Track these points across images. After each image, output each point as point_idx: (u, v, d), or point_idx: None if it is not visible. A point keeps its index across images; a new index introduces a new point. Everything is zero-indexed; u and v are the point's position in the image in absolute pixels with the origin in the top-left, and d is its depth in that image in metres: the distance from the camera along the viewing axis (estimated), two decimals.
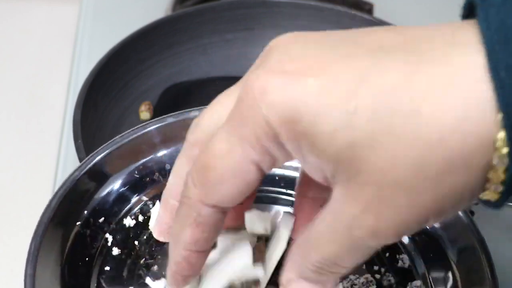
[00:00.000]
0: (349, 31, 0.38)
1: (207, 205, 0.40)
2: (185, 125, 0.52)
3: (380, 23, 0.77)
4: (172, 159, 0.51)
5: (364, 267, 0.49)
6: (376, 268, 0.49)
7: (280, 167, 0.40)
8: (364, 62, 0.35)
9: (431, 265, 0.49)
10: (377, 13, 0.90)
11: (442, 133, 0.34)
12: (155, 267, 0.49)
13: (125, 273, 0.48)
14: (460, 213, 0.50)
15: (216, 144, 0.39)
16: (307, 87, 0.36)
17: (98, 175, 0.51)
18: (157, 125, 0.53)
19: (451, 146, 0.34)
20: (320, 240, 0.39)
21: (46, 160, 0.82)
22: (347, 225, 0.37)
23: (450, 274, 0.48)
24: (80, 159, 0.64)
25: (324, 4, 0.79)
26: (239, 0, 0.79)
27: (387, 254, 0.50)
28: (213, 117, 0.41)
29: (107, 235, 0.49)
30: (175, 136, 0.53)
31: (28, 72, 0.93)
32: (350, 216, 0.37)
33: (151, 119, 0.75)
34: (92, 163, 0.51)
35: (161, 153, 0.53)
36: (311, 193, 0.44)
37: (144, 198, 0.51)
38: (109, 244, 0.49)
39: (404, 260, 0.50)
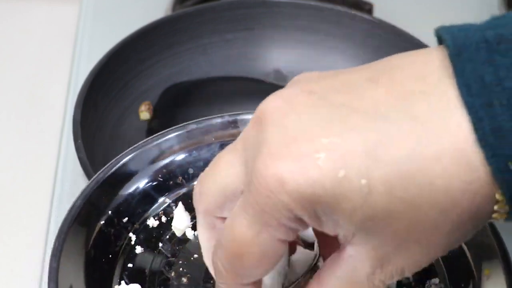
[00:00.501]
0: (330, 84, 0.39)
1: (245, 285, 0.41)
2: (207, 131, 0.55)
3: (380, 23, 0.77)
4: (195, 163, 0.54)
5: None
6: None
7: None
8: (369, 135, 0.37)
9: (449, 262, 0.50)
10: (377, 13, 0.90)
11: (454, 198, 0.36)
12: (178, 266, 0.50)
13: (147, 270, 0.50)
14: None
15: (240, 231, 0.39)
16: (321, 170, 0.36)
17: (123, 177, 0.53)
18: (180, 131, 0.55)
19: (462, 207, 0.36)
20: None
21: (46, 160, 0.82)
22: (364, 279, 0.39)
23: (467, 273, 0.48)
24: (80, 159, 0.64)
25: (324, 4, 0.79)
26: (239, 0, 0.79)
27: None
28: (216, 182, 0.41)
29: (131, 234, 0.51)
30: (198, 141, 0.55)
31: (28, 72, 0.93)
32: (367, 267, 0.38)
33: (151, 119, 0.75)
34: (117, 166, 0.53)
35: (184, 157, 0.55)
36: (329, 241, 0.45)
37: (168, 200, 0.53)
38: (133, 242, 0.51)
39: None
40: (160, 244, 0.51)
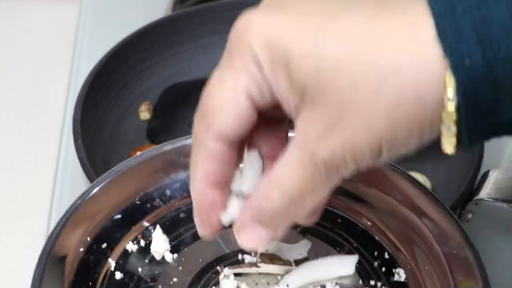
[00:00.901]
0: None
1: (210, 135, 0.43)
2: (183, 152, 0.54)
3: None
4: (172, 185, 0.53)
5: (360, 282, 0.49)
6: (372, 283, 0.49)
7: (268, 102, 0.43)
8: (336, 6, 0.41)
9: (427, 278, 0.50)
10: None
11: (398, 65, 0.39)
12: None
13: None
14: (454, 227, 0.50)
15: (210, 81, 0.43)
16: (285, 19, 0.41)
17: (100, 203, 0.52)
18: (155, 153, 0.54)
19: (405, 78, 0.39)
20: (282, 176, 0.42)
21: (46, 160, 0.82)
22: (311, 152, 0.40)
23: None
24: (80, 159, 0.64)
25: None
26: (239, 0, 0.79)
27: (383, 269, 0.50)
28: (211, 96, 0.44)
29: (110, 260, 0.50)
30: (174, 162, 0.54)
31: (28, 72, 0.93)
32: (314, 137, 0.40)
33: (151, 119, 0.75)
34: (93, 192, 0.52)
35: (161, 179, 0.54)
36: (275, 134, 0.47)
37: (146, 224, 0.52)
38: (112, 268, 0.50)
39: (400, 274, 0.50)
40: (140, 269, 0.50)
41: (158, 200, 0.53)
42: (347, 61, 0.39)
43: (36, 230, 0.76)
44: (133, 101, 0.75)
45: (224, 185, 0.45)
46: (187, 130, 0.73)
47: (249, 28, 0.42)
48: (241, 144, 0.45)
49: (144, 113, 0.75)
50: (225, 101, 0.43)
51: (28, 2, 1.01)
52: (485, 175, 0.63)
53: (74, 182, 0.78)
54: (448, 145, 0.42)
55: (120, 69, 0.74)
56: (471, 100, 0.40)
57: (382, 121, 0.40)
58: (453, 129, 0.41)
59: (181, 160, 0.54)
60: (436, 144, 0.72)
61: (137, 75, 0.76)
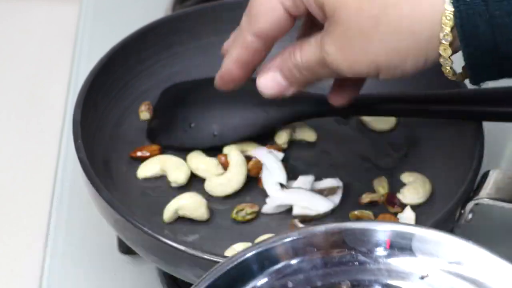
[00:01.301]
0: None
1: (250, 32, 0.59)
2: (285, 248, 0.48)
3: None
4: (293, 275, 0.49)
5: None
6: None
7: (302, 13, 0.56)
8: None
9: None
10: None
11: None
12: None
13: None
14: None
15: None
16: None
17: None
18: (255, 251, 0.49)
19: (402, 10, 0.47)
20: (304, 51, 0.57)
21: (46, 160, 0.82)
22: (322, 52, 0.55)
23: None
24: (80, 159, 0.64)
25: None
26: (239, 0, 0.79)
27: None
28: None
29: None
30: (297, 251, 0.50)
31: (28, 72, 0.93)
32: (326, 47, 0.54)
33: (151, 119, 0.75)
34: (231, 266, 0.48)
35: (261, 281, 0.49)
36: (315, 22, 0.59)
37: None
38: None
39: None
40: None
41: None
42: None
43: (36, 230, 0.76)
44: (133, 101, 0.75)
45: (247, 70, 0.62)
46: (187, 130, 0.73)
47: None
48: (272, 43, 0.59)
49: (144, 113, 0.75)
50: (266, 7, 0.56)
51: (28, 2, 1.01)
52: (485, 175, 0.63)
53: (74, 182, 0.78)
54: (449, 74, 0.52)
55: (120, 69, 0.74)
56: (469, 35, 0.46)
57: (378, 46, 0.49)
58: (449, 62, 0.50)
59: (307, 249, 0.49)
60: (436, 144, 0.72)
61: (137, 75, 0.76)
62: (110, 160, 0.71)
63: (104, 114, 0.72)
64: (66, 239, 0.74)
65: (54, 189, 0.78)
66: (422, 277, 0.48)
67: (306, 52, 0.57)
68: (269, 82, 0.60)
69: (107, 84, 0.72)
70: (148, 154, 0.72)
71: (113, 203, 0.61)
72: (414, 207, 0.67)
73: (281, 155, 0.71)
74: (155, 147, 0.72)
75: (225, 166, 0.70)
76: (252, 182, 0.70)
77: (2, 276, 0.74)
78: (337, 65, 0.54)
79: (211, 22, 0.78)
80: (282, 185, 0.68)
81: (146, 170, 0.71)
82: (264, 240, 0.49)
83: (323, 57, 0.55)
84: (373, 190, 0.69)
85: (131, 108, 0.75)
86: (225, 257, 0.55)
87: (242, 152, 0.71)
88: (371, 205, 0.68)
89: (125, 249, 0.71)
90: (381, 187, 0.69)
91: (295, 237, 0.49)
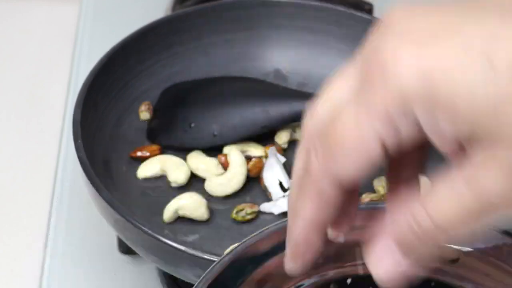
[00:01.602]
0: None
1: (329, 179, 0.39)
2: None
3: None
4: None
5: None
6: None
7: (400, 153, 0.39)
8: (493, 21, 0.35)
9: None
10: (377, 13, 0.90)
11: None
12: None
13: None
14: None
15: (343, 117, 0.38)
16: (441, 50, 0.35)
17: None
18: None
19: None
20: (438, 203, 0.37)
21: (46, 160, 0.82)
22: (481, 194, 0.36)
23: None
24: (80, 159, 0.64)
25: (324, 4, 0.79)
26: (239, 0, 0.79)
27: None
28: (327, 103, 0.40)
29: None
30: None
31: (28, 72, 0.93)
32: (488, 184, 0.35)
33: (151, 119, 0.75)
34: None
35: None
36: (405, 174, 0.43)
37: None
38: None
39: None
40: None
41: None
42: None
43: (36, 230, 0.76)
44: (133, 101, 0.75)
45: (324, 232, 0.41)
46: (187, 130, 0.73)
47: (398, 65, 0.35)
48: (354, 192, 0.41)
49: (144, 113, 0.75)
50: (357, 146, 0.38)
51: (28, 2, 1.01)
52: None
53: (74, 182, 0.78)
54: None
55: (120, 69, 0.74)
56: None
57: None
58: None
59: None
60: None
61: (137, 75, 0.76)
62: (110, 160, 0.71)
63: (104, 114, 0.72)
64: (66, 239, 0.74)
65: (54, 189, 0.78)
66: (453, 261, 0.47)
67: (443, 206, 0.37)
68: (390, 269, 0.39)
69: (107, 84, 0.72)
70: (148, 154, 0.72)
71: (113, 203, 0.61)
72: None
73: (283, 159, 0.71)
74: (155, 147, 0.72)
75: (225, 166, 0.70)
76: (252, 182, 0.70)
77: (2, 276, 0.74)
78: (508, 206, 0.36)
79: (211, 22, 0.78)
80: (282, 187, 0.68)
81: (146, 170, 0.71)
82: None
83: (481, 204, 0.36)
84: (373, 190, 0.69)
85: (131, 108, 0.75)
86: None
87: (242, 152, 0.71)
88: None
89: (125, 249, 0.71)
90: (381, 187, 0.69)
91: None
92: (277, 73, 0.79)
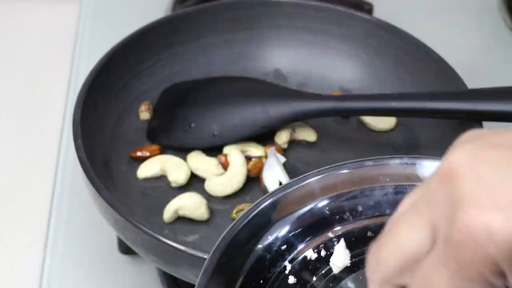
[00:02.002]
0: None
1: None
2: (384, 171, 0.52)
3: (380, 23, 0.77)
4: (365, 201, 0.52)
5: None
6: None
7: None
8: None
9: None
10: (377, 13, 0.90)
11: None
12: None
13: None
14: None
15: (432, 278, 0.38)
16: None
17: (287, 206, 0.51)
18: (355, 166, 0.53)
19: None
20: None
21: (46, 160, 0.82)
22: None
23: None
24: (80, 159, 0.64)
25: (324, 4, 0.79)
26: (239, 0, 0.79)
27: None
28: (398, 248, 0.40)
29: (286, 262, 0.49)
30: (373, 180, 0.53)
31: (28, 72, 0.93)
32: None
33: (151, 119, 0.75)
34: (284, 192, 0.51)
35: (356, 194, 0.52)
36: None
37: (330, 235, 0.51)
38: (287, 271, 0.49)
39: None
40: (314, 278, 0.49)
41: (348, 214, 0.51)
42: None
43: (36, 230, 0.76)
44: (133, 101, 0.75)
45: None
46: (187, 130, 0.73)
47: (491, 238, 0.36)
48: None
49: (144, 113, 0.75)
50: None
51: (28, 2, 1.01)
52: None
53: (74, 182, 0.78)
54: None
55: (120, 69, 0.74)
56: None
57: None
58: None
59: (380, 178, 0.52)
60: (436, 144, 0.72)
61: (137, 75, 0.76)
62: (110, 160, 0.71)
63: (104, 114, 0.72)
64: (66, 239, 0.74)
65: (54, 189, 0.78)
66: None
67: None
68: None
69: (107, 84, 0.72)
70: (148, 154, 0.72)
71: (113, 203, 0.61)
72: None
73: (283, 159, 0.71)
74: (155, 147, 0.72)
75: (225, 166, 0.70)
76: (252, 182, 0.70)
77: (2, 276, 0.74)
78: None
79: (211, 22, 0.78)
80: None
81: (146, 170, 0.71)
82: (335, 166, 0.52)
83: None
84: None
85: (131, 108, 0.75)
86: None
87: (242, 152, 0.71)
88: None
89: (125, 249, 0.71)
90: None
91: (369, 165, 0.53)
92: (277, 73, 0.79)
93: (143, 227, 0.59)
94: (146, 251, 0.61)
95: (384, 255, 0.40)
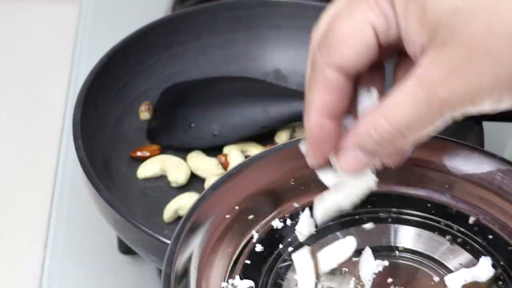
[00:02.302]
0: None
1: (332, 66, 0.45)
2: None
3: None
4: None
5: None
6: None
7: (390, 40, 0.44)
8: None
9: None
10: None
11: None
12: (292, 272, 0.50)
13: (263, 270, 0.50)
14: None
15: (337, 10, 0.44)
16: None
17: (253, 176, 0.52)
18: None
19: None
20: (395, 107, 0.43)
21: (46, 160, 0.82)
22: (430, 89, 0.41)
23: None
24: (80, 159, 0.64)
25: (324, 4, 0.79)
26: (239, 0, 0.79)
27: None
28: (327, 18, 0.46)
29: (254, 232, 0.51)
30: None
31: (28, 72, 0.93)
32: (436, 79, 0.41)
33: (151, 119, 0.75)
34: (250, 164, 0.52)
35: None
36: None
37: (295, 205, 0.52)
38: (254, 240, 0.51)
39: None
40: (281, 246, 0.51)
41: (312, 184, 0.52)
42: (486, 5, 0.40)
43: (36, 230, 0.76)
44: (133, 101, 0.75)
45: (338, 117, 0.46)
46: (187, 130, 0.73)
47: None
48: (354, 81, 0.46)
49: (144, 113, 0.75)
50: (352, 33, 0.44)
51: (28, 2, 1.01)
52: None
53: (74, 182, 0.78)
54: None
55: (120, 69, 0.74)
56: None
57: (504, 76, 0.41)
58: None
59: None
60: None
61: (137, 75, 0.76)
62: (110, 160, 0.71)
63: (104, 114, 0.72)
64: (66, 239, 0.74)
65: (54, 189, 0.78)
66: None
67: (399, 109, 0.43)
68: (352, 163, 0.46)
69: (107, 84, 0.72)
70: (148, 154, 0.72)
71: (113, 203, 0.61)
72: None
73: None
74: (155, 147, 0.72)
75: (225, 166, 0.70)
76: None
77: (2, 276, 0.74)
78: (457, 101, 0.41)
79: (211, 22, 0.78)
80: None
81: (146, 170, 0.71)
82: None
83: (430, 99, 0.41)
84: None
85: (131, 108, 0.75)
86: None
87: (242, 152, 0.71)
88: None
89: (125, 249, 0.71)
90: None
91: None
92: (277, 73, 0.79)
93: (143, 227, 0.59)
94: (146, 251, 0.61)
95: (319, 23, 0.46)
